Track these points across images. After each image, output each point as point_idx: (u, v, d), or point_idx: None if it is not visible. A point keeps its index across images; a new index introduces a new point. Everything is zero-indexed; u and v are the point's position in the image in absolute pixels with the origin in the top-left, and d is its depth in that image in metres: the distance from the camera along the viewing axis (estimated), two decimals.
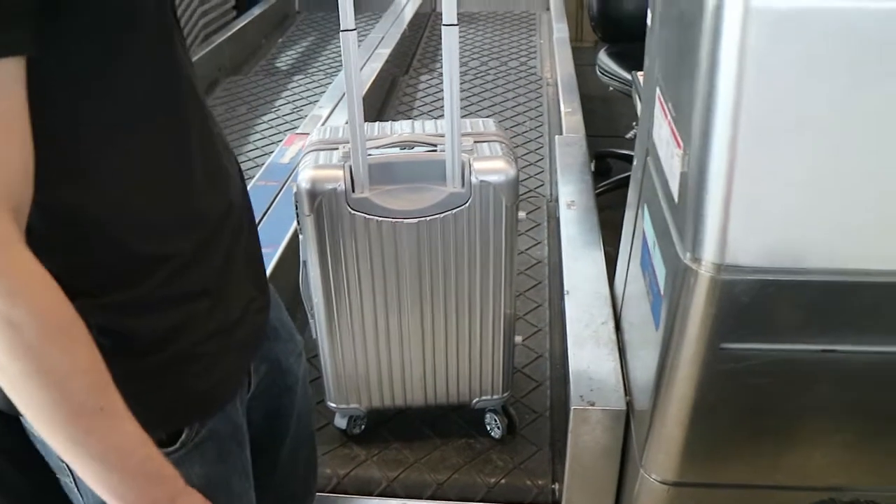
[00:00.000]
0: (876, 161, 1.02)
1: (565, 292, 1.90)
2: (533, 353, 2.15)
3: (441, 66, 4.75)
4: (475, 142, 1.62)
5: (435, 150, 1.58)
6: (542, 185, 3.02)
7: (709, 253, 1.10)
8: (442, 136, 1.62)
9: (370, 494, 1.80)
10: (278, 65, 4.50)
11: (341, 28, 1.40)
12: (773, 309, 1.14)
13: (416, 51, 4.67)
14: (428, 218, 1.58)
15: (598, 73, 3.02)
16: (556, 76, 3.69)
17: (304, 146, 1.69)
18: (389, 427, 1.91)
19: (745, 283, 1.10)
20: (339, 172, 1.55)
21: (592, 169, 2.72)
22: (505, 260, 1.63)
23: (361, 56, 3.90)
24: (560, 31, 4.06)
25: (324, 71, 4.30)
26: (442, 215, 1.57)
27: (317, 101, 3.48)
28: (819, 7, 0.94)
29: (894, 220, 1.06)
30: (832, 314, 1.15)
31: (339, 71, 3.86)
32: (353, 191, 1.55)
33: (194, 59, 4.07)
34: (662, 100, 1.27)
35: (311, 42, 4.81)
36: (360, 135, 1.52)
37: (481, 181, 1.55)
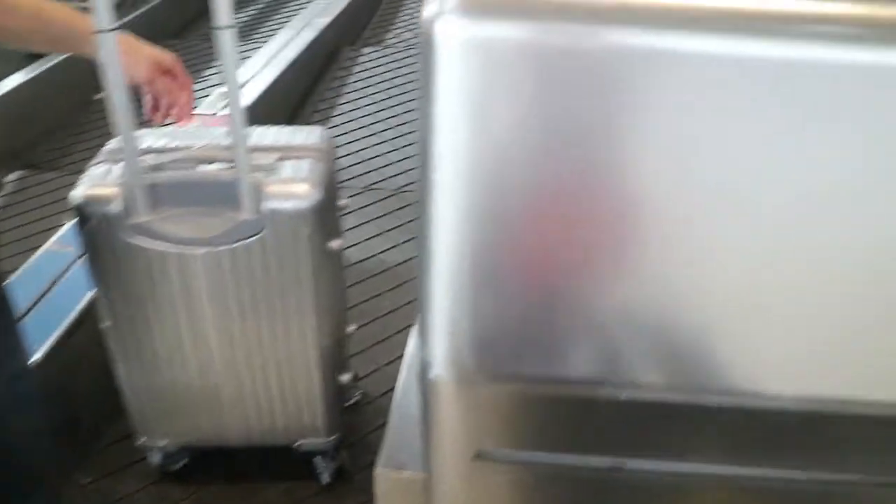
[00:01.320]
0: (617, 254, 0.79)
1: (411, 324, 1.68)
2: (393, 383, 1.94)
3: (392, 39, 4.37)
4: (279, 158, 1.39)
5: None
6: None
7: (437, 349, 0.87)
8: (256, 148, 1.40)
9: None
10: None
11: None
12: (525, 418, 0.92)
13: (371, 20, 4.39)
14: (216, 248, 1.36)
15: None
16: None
17: (100, 153, 1.47)
18: (214, 464, 1.71)
19: (482, 388, 0.88)
20: (115, 192, 1.34)
21: None
22: (311, 294, 1.41)
23: (300, 22, 3.63)
24: None
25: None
26: (233, 245, 1.36)
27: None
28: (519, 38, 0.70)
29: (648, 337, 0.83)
30: (612, 430, 0.93)
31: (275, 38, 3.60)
32: (129, 215, 1.33)
33: (133, 15, 3.84)
34: None
35: (262, 6, 4.53)
36: (131, 149, 1.30)
37: (273, 208, 1.33)
